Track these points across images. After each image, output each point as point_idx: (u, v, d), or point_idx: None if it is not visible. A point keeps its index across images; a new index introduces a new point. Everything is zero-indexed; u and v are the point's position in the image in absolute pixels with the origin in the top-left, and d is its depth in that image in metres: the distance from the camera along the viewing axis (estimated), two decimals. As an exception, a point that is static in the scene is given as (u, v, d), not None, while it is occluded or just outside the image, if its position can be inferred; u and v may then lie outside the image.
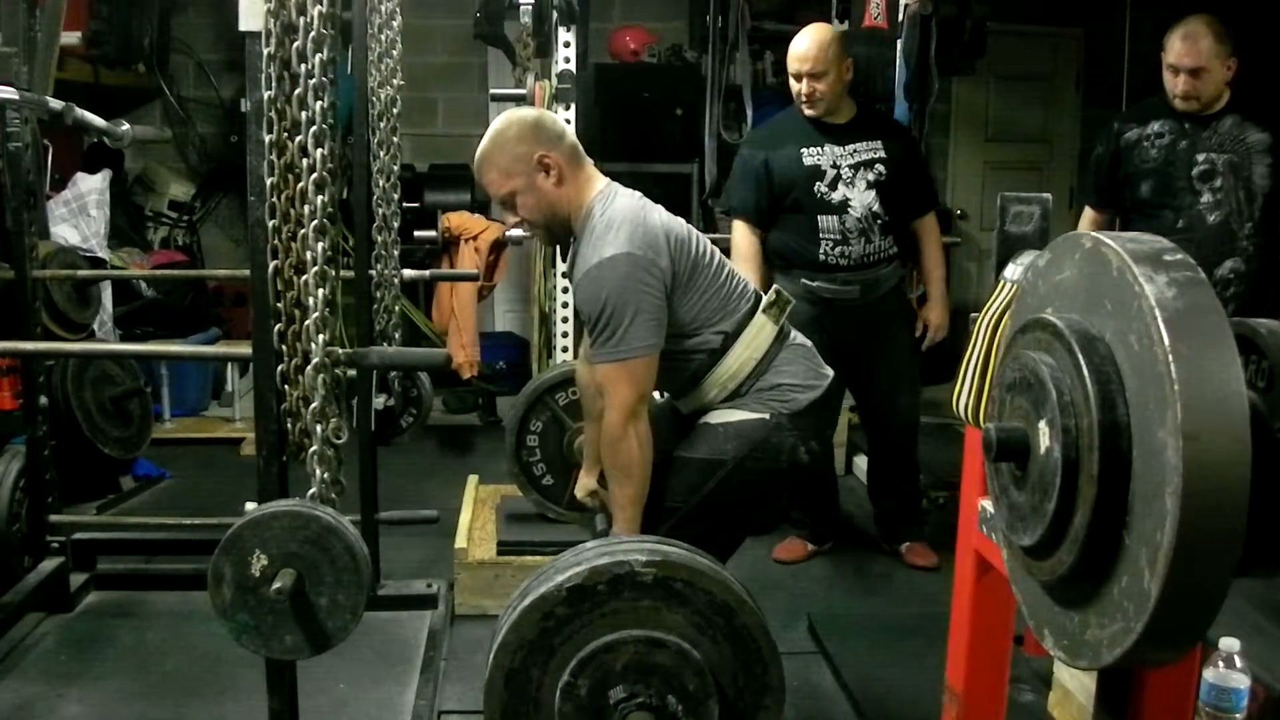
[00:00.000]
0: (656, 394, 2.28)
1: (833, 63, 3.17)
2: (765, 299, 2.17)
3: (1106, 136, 3.08)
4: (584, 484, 2.47)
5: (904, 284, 3.50)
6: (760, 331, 2.14)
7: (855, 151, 3.24)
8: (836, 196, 3.22)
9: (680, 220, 2.16)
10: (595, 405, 2.27)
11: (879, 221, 3.24)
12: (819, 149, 3.24)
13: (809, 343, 2.26)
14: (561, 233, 2.18)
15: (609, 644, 1.55)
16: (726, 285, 2.15)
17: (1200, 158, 2.89)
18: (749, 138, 3.51)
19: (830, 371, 2.23)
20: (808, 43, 3.20)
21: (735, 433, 2.11)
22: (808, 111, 3.25)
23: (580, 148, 2.17)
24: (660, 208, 2.16)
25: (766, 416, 2.11)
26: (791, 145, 3.27)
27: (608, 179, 2.18)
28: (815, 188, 3.23)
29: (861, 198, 3.22)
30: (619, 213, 2.07)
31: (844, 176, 3.22)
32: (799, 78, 3.21)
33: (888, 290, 3.35)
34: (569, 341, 3.57)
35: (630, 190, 2.16)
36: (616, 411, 2.03)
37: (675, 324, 2.08)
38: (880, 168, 3.23)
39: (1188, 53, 2.82)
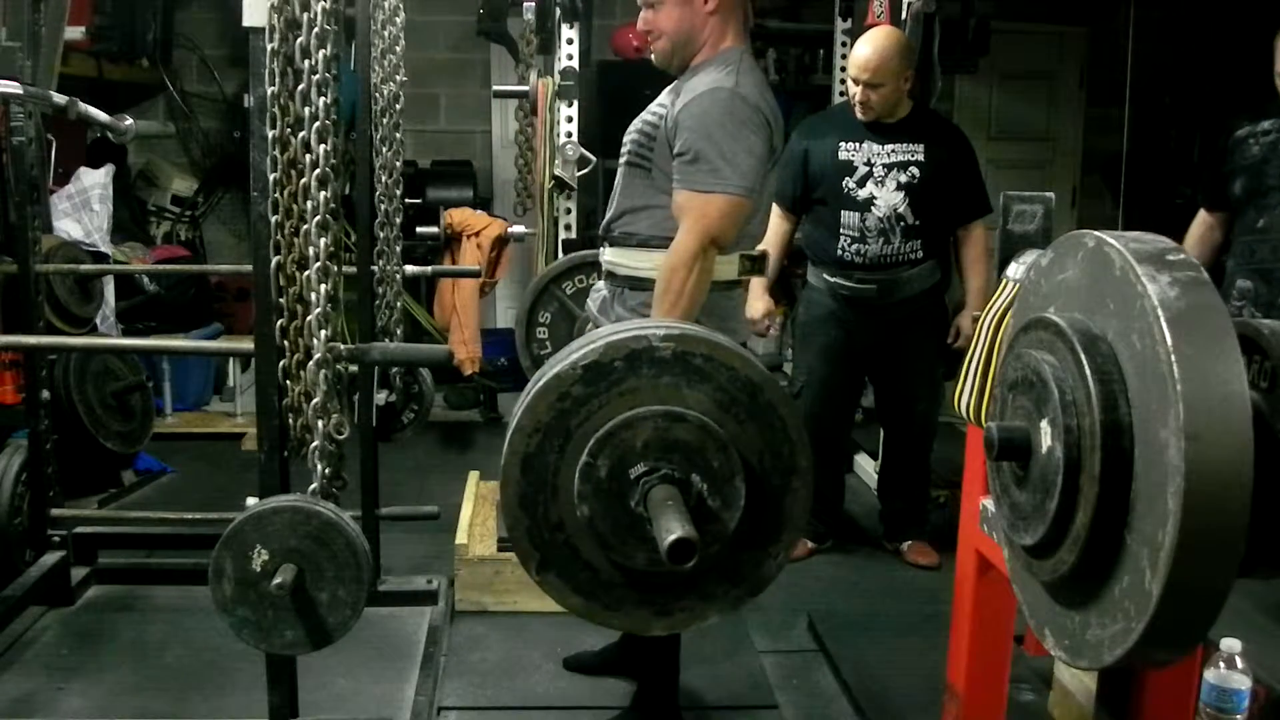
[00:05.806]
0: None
1: (891, 75, 3.12)
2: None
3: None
4: None
5: (940, 289, 3.39)
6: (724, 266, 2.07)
7: (893, 151, 3.21)
8: (863, 194, 3.20)
9: None
10: None
11: (902, 224, 3.19)
12: (857, 145, 3.23)
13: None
14: (679, 61, 2.08)
15: (627, 420, 1.46)
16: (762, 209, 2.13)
17: None
18: (800, 124, 3.51)
19: None
20: (868, 52, 3.14)
21: None
22: (859, 115, 3.22)
23: (748, 9, 2.10)
24: None
25: None
26: (832, 137, 3.26)
27: (747, 48, 2.10)
28: (843, 183, 3.22)
29: (889, 198, 3.19)
30: (746, 76, 1.99)
31: (875, 175, 3.20)
32: (856, 82, 3.19)
33: (915, 294, 3.28)
34: (571, 338, 3.57)
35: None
36: (690, 236, 1.89)
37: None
38: (914, 170, 3.19)
39: None
